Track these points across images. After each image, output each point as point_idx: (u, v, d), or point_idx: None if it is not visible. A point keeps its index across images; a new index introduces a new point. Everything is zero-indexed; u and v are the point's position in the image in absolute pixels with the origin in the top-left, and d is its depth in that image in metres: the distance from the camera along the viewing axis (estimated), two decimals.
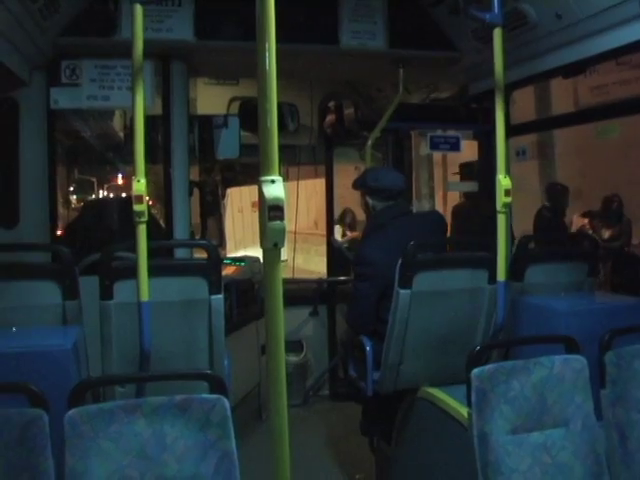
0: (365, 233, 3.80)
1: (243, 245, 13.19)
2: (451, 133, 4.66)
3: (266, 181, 1.59)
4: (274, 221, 1.58)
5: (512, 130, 3.56)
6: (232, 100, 5.36)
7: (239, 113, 5.02)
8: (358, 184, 3.77)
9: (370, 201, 3.68)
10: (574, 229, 7.72)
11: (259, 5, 1.55)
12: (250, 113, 4.81)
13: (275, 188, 1.58)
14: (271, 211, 1.58)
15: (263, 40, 1.56)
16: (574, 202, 8.27)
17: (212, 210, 6.53)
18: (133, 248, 2.69)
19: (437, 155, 6.88)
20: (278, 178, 1.60)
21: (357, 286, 3.60)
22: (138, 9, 2.53)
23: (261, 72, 1.58)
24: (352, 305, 3.70)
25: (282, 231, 1.60)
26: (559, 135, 9.22)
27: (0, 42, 2.99)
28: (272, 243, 1.60)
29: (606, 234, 7.36)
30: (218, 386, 2.19)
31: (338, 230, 8.23)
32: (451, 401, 2.98)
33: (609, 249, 6.71)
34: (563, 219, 7.50)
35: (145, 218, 2.59)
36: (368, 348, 3.46)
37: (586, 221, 7.75)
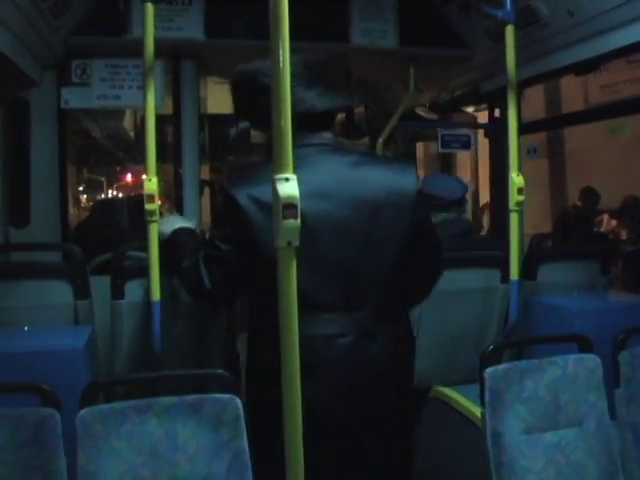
0: None
1: None
2: (462, 131, 4.64)
3: (280, 179, 1.58)
4: (288, 219, 1.57)
5: (523, 128, 3.54)
6: None
7: None
8: None
9: None
10: (604, 229, 7.81)
11: (272, 3, 1.54)
12: None
13: (289, 186, 1.57)
14: (285, 209, 1.57)
15: (277, 38, 1.54)
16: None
17: None
18: (144, 247, 2.69)
19: (463, 154, 6.56)
20: (292, 176, 1.59)
21: None
22: (149, 8, 2.53)
23: (274, 71, 1.57)
24: None
25: (296, 229, 1.59)
26: (569, 133, 9.18)
27: (11, 42, 2.99)
28: (286, 241, 1.59)
29: (624, 235, 7.40)
30: (230, 385, 2.19)
31: None
32: (464, 401, 2.97)
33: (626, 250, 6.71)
34: (592, 219, 8.03)
35: (156, 217, 2.59)
36: None
37: (614, 222, 7.83)
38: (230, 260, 2.18)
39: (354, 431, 2.16)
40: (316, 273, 2.11)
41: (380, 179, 2.19)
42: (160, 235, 2.60)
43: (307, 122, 2.15)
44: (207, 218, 5.28)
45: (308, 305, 1.91)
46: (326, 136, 2.28)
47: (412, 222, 2.22)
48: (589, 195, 8.34)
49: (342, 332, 2.14)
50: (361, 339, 2.16)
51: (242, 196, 2.11)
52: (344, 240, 2.13)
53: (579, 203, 8.48)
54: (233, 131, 3.08)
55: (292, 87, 1.61)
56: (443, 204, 3.46)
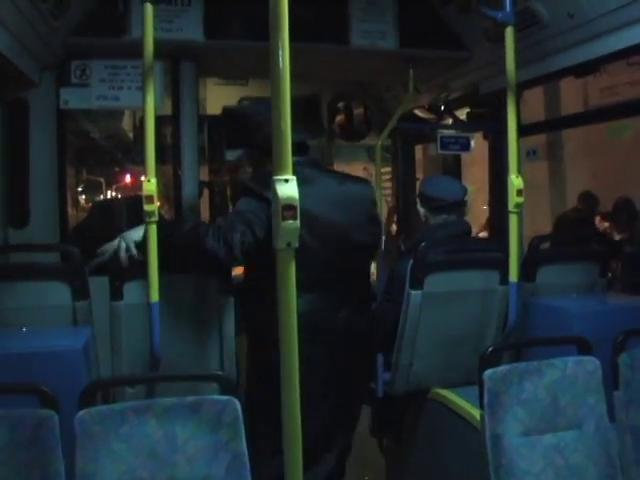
0: (409, 248, 3.54)
1: None
2: (461, 133, 4.64)
3: (279, 180, 1.58)
4: (287, 220, 1.57)
5: (523, 130, 3.53)
6: (241, 100, 5.35)
7: None
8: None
9: (421, 210, 3.54)
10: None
11: (272, 4, 1.54)
12: None
13: (288, 187, 1.58)
14: (284, 210, 1.57)
15: (277, 39, 1.54)
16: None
17: (221, 210, 6.52)
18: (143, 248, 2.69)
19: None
20: (291, 177, 1.59)
21: (382, 305, 3.47)
22: (148, 9, 2.52)
23: (274, 72, 1.56)
24: (374, 322, 3.47)
25: (295, 231, 1.59)
26: (568, 135, 9.19)
27: (11, 42, 2.99)
28: (285, 243, 1.59)
29: (617, 237, 7.38)
30: (229, 387, 2.19)
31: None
32: (462, 403, 2.97)
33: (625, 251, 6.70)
34: (592, 222, 7.93)
35: (155, 218, 2.59)
36: None
37: (607, 224, 7.81)
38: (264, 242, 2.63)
39: (341, 377, 2.93)
40: (324, 261, 2.85)
41: (355, 190, 3.06)
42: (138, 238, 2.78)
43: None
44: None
45: (315, 285, 2.77)
46: (303, 158, 2.92)
47: (373, 214, 3.12)
48: (588, 199, 8.35)
49: (341, 305, 2.92)
50: (352, 309, 2.95)
51: None
52: (340, 234, 2.91)
53: (579, 206, 8.47)
54: (230, 154, 3.44)
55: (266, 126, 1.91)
56: (443, 206, 3.45)
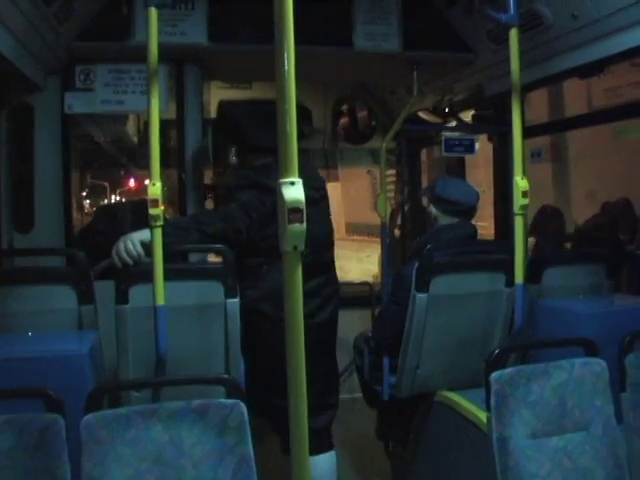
0: (415, 250, 3.49)
1: None
2: (465, 135, 4.63)
3: (285, 183, 1.58)
4: (294, 224, 1.57)
5: (527, 132, 3.52)
6: None
7: None
8: (424, 191, 3.63)
9: (433, 210, 3.48)
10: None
11: (277, 7, 1.54)
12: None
13: (295, 190, 1.57)
14: (291, 213, 1.57)
15: (281, 42, 1.54)
16: (587, 204, 8.32)
17: None
18: (148, 252, 2.69)
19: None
20: (297, 180, 1.58)
21: (389, 307, 3.50)
22: (153, 13, 2.52)
23: (279, 74, 1.56)
24: (380, 324, 3.59)
25: (302, 234, 1.59)
26: (573, 136, 9.15)
27: (15, 47, 2.99)
28: (292, 246, 1.59)
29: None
30: (235, 390, 2.18)
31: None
32: (469, 405, 2.96)
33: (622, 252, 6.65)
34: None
35: (161, 222, 2.58)
36: None
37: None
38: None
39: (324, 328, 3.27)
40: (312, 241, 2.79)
41: (318, 174, 3.51)
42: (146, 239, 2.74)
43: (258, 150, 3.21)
44: None
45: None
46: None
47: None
48: (610, 208, 8.24)
49: (314, 275, 3.15)
50: (327, 277, 3.31)
51: None
52: (320, 214, 3.27)
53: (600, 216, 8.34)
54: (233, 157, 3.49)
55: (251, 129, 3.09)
56: (460, 210, 3.41)
